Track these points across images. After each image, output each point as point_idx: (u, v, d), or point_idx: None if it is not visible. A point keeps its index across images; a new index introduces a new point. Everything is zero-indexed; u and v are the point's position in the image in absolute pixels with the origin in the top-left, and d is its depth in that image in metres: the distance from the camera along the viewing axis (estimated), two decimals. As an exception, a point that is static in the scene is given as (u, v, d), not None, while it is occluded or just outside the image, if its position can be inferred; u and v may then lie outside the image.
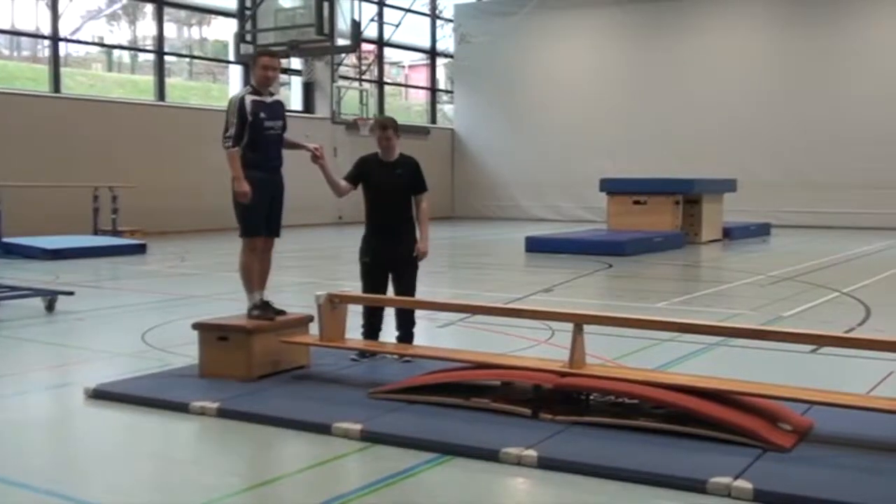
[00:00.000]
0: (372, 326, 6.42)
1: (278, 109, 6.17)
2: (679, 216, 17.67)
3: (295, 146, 6.39)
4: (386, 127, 6.43)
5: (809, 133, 23.10)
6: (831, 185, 22.84)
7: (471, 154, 28.09)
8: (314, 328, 6.09)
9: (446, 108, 29.77)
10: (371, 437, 4.59)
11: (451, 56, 28.85)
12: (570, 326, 5.21)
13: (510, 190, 27.15)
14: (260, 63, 6.13)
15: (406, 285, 6.42)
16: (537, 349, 6.86)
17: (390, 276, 6.44)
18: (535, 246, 15.81)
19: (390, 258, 6.38)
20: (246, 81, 22.59)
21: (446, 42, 28.79)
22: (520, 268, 14.19)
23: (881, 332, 7.49)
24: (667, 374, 5.26)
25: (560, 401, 4.91)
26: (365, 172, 6.43)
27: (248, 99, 5.99)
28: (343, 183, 6.44)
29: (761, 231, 20.28)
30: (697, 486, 3.88)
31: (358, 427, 4.66)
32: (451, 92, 29.37)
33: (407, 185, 6.43)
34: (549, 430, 4.59)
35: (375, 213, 6.41)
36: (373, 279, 6.41)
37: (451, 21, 28.57)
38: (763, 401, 4.78)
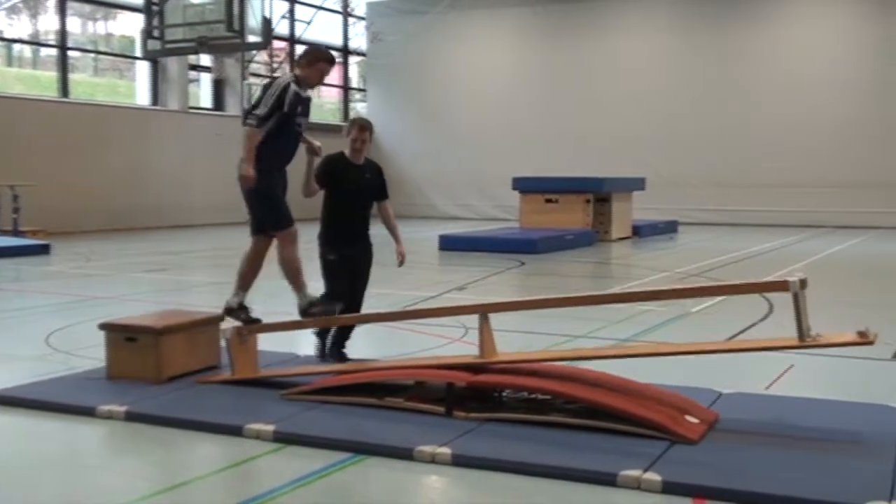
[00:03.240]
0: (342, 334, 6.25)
1: (309, 106, 5.91)
2: (590, 214, 17.95)
3: (303, 140, 6.08)
4: (365, 128, 6.22)
5: (715, 133, 23.70)
6: (736, 184, 23.48)
7: (384, 152, 27.99)
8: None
9: (359, 107, 29.64)
10: (284, 438, 4.54)
11: (364, 54, 28.76)
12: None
13: (424, 189, 27.19)
14: (320, 68, 5.86)
15: (363, 286, 6.31)
16: (451, 347, 6.89)
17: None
18: (449, 244, 15.87)
19: (354, 259, 6.21)
20: (155, 79, 22.18)
21: (359, 40, 28.70)
22: (434, 266, 14.22)
23: (782, 326, 7.72)
24: (578, 371, 5.33)
25: (473, 398, 4.94)
26: (333, 173, 6.16)
27: (293, 89, 5.69)
28: (314, 184, 6.17)
29: (669, 228, 20.74)
30: (608, 480, 3.94)
31: (271, 428, 4.61)
32: (363, 90, 29.27)
33: (375, 190, 6.29)
34: (463, 427, 4.62)
35: (340, 215, 6.16)
36: (340, 277, 6.14)
37: (363, 19, 28.47)
38: (671, 395, 4.90)
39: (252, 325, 5.84)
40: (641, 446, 4.27)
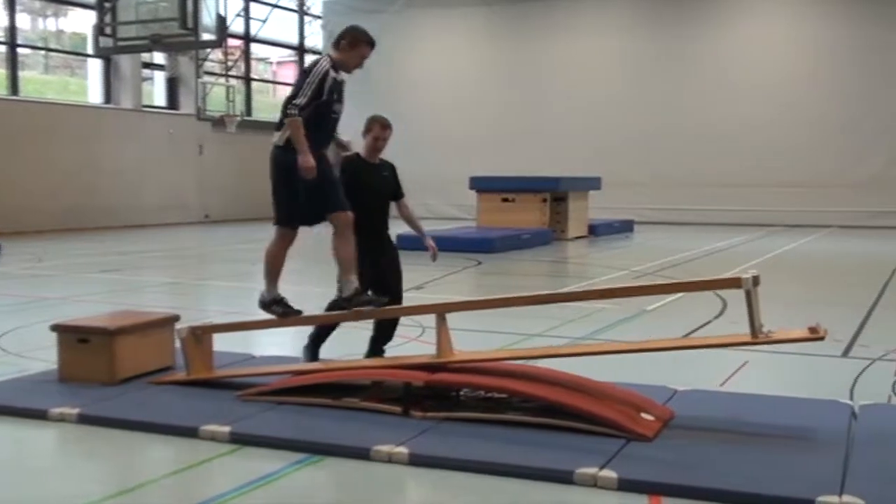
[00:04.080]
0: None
1: (343, 92, 5.62)
2: (546, 213, 18.04)
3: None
4: (387, 127, 6.03)
5: (670, 133, 23.94)
6: (691, 184, 23.74)
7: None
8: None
9: (315, 106, 29.48)
10: (240, 440, 4.51)
11: (320, 53, 28.59)
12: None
13: (380, 188, 27.10)
14: (361, 51, 5.62)
15: (399, 290, 6.01)
16: (408, 346, 6.87)
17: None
18: (406, 244, 15.52)
19: (382, 260, 5.91)
20: (107, 77, 21.89)
21: (315, 38, 28.55)
22: (391, 266, 14.19)
23: (735, 323, 7.82)
24: (536, 370, 5.35)
25: (430, 398, 4.94)
26: (354, 175, 5.85)
27: (332, 75, 5.42)
28: None
29: (625, 228, 20.91)
30: (564, 478, 3.96)
31: (227, 429, 4.57)
32: (320, 89, 29.09)
33: (392, 189, 6.10)
34: (420, 427, 4.61)
35: (363, 218, 5.72)
36: (374, 279, 5.78)
37: (319, 17, 28.33)
38: (627, 392, 4.93)
39: (208, 326, 5.78)
40: (598, 444, 4.30)
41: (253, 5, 25.82)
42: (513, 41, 25.74)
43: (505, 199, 18.30)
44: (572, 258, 15.50)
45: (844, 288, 11.43)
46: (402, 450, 4.25)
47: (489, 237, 15.81)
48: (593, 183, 20.07)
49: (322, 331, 5.91)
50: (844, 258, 15.48)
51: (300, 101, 5.33)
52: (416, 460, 4.20)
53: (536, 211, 17.93)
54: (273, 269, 5.65)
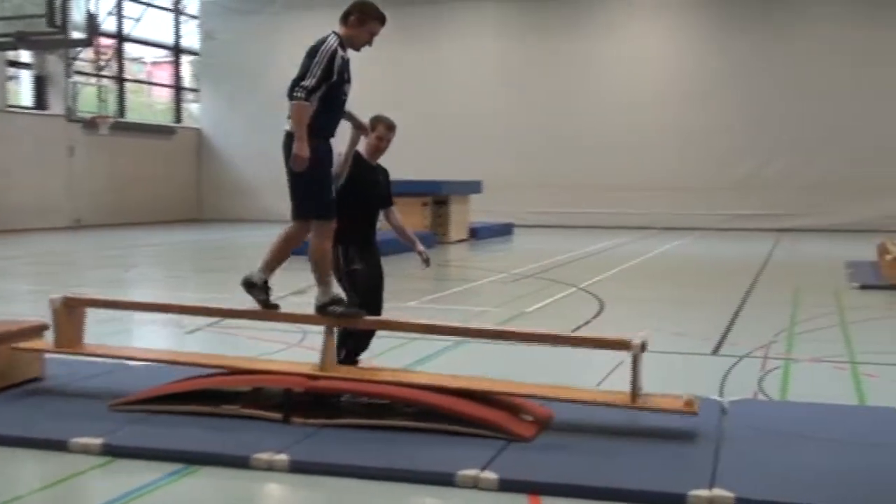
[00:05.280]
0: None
1: (350, 70, 5.25)
2: (428, 217, 18.13)
3: (347, 116, 5.49)
4: (393, 128, 5.86)
5: (548, 137, 24.39)
6: (568, 187, 24.22)
7: (218, 155, 27.43)
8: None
9: (192, 107, 28.87)
10: (113, 451, 4.36)
11: (197, 53, 28.01)
12: (321, 328, 5.20)
13: (261, 191, 26.68)
14: (370, 28, 5.23)
15: (381, 299, 5.73)
16: (288, 353, 6.79)
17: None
18: (287, 248, 15.64)
19: (376, 265, 5.68)
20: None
21: (191, 39, 27.93)
22: (271, 270, 13.99)
23: (612, 324, 8.02)
24: (415, 374, 5.37)
25: (311, 404, 4.89)
26: (354, 173, 5.56)
27: (340, 54, 5.06)
28: (345, 170, 5.54)
29: (505, 231, 21.19)
30: (446, 480, 3.99)
31: (98, 441, 4.41)
32: (197, 90, 28.50)
33: (385, 193, 5.94)
34: (301, 433, 4.56)
35: (358, 218, 5.52)
36: (367, 287, 5.50)
37: (195, 17, 27.74)
38: (507, 394, 4.98)
39: (84, 298, 5.55)
40: (478, 446, 4.34)
41: (126, 3, 25.10)
42: (394, 44, 25.70)
43: (385, 202, 18.27)
44: (454, 261, 15.61)
45: (714, 288, 11.85)
46: (283, 457, 4.19)
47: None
48: (474, 186, 20.26)
49: (358, 343, 5.55)
50: (715, 259, 16.06)
51: (308, 82, 4.95)
52: (297, 467, 4.15)
53: (418, 214, 17.99)
54: (326, 268, 5.22)
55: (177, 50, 27.69)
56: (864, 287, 11.01)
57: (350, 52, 5.29)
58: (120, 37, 25.14)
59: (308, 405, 4.87)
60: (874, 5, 22.53)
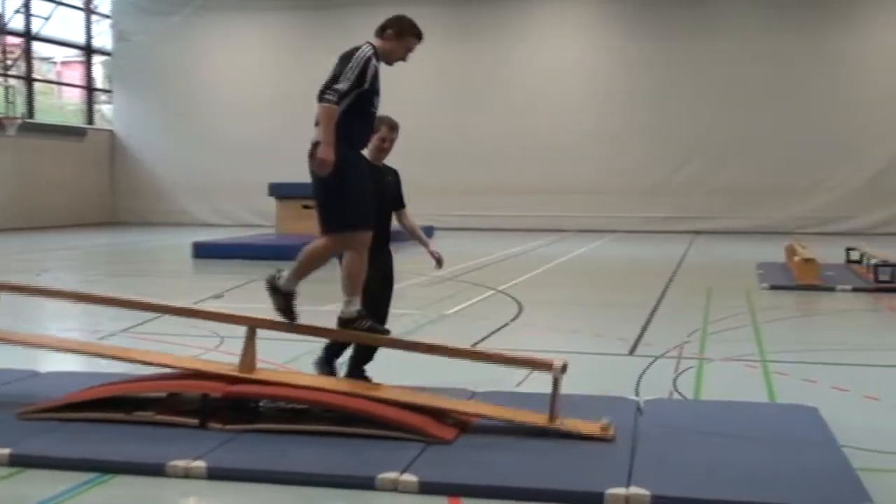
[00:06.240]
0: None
1: (380, 83, 5.14)
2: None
3: None
4: (395, 128, 5.77)
5: (469, 141, 24.46)
6: (488, 190, 24.34)
7: (132, 157, 26.85)
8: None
9: (104, 109, 28.21)
10: (21, 462, 4.23)
11: (110, 54, 27.38)
12: (239, 333, 5.13)
13: (176, 194, 26.26)
14: (407, 43, 5.23)
15: (390, 297, 5.69)
16: (206, 358, 6.67)
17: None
18: (204, 252, 15.43)
19: (384, 270, 5.59)
20: None
21: (104, 39, 27.30)
22: (188, 274, 13.78)
23: (529, 325, 8.09)
24: (335, 380, 5.32)
25: (229, 409, 4.82)
26: None
27: (374, 63, 4.98)
28: None
29: (425, 234, 21.12)
30: (366, 483, 3.97)
31: (6, 451, 4.27)
32: (109, 91, 27.86)
33: (395, 194, 5.82)
34: (219, 439, 4.49)
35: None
36: (373, 295, 5.34)
37: (108, 17, 27.13)
38: (426, 397, 4.98)
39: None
40: (398, 449, 4.33)
41: (35, 1, 24.40)
42: (312, 46, 25.49)
43: (305, 206, 18.10)
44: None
45: (630, 289, 12.03)
46: (200, 464, 4.12)
47: (289, 244, 15.58)
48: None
49: (337, 346, 5.52)
50: (630, 261, 16.32)
51: (342, 86, 4.83)
52: (214, 474, 4.09)
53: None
54: (358, 282, 5.04)
55: (88, 50, 27.04)
56: (773, 288, 11.31)
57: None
58: (28, 35, 24.45)
59: (226, 411, 4.79)
60: (786, 13, 23.17)
